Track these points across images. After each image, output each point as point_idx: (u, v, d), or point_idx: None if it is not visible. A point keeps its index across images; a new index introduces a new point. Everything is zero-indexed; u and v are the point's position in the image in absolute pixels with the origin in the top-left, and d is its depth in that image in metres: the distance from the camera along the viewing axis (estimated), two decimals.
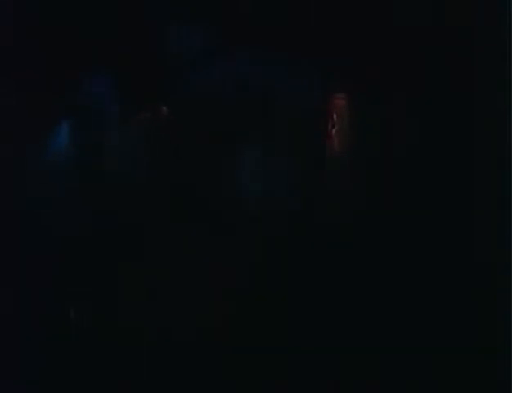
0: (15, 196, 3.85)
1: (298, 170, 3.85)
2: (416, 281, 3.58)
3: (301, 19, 3.89)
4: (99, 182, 3.92)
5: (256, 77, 3.94)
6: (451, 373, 3.42)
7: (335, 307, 3.61)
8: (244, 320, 3.65)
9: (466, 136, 3.62)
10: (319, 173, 3.86)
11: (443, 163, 3.68)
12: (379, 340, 3.55)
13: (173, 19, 3.98)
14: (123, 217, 3.86)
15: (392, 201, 3.69)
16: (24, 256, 3.74)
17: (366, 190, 3.77)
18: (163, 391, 3.61)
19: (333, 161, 3.86)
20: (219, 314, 3.65)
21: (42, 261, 3.75)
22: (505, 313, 3.32)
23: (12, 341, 3.64)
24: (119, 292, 3.74)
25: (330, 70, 3.85)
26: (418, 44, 3.72)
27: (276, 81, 3.92)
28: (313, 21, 3.87)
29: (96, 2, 3.95)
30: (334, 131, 3.90)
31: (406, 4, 3.72)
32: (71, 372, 3.66)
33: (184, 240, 3.79)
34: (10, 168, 3.86)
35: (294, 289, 3.68)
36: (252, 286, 3.71)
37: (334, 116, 3.92)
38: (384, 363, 3.52)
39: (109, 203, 3.90)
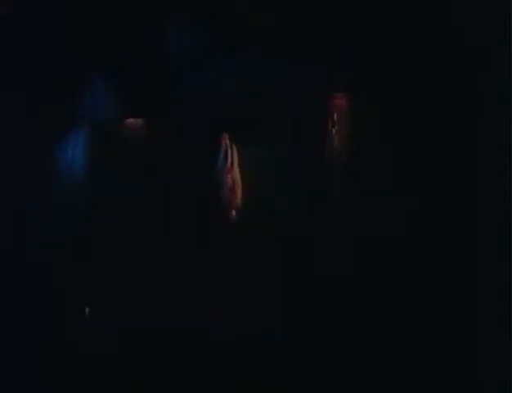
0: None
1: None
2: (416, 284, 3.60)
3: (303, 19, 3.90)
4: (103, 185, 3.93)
5: (256, 77, 3.94)
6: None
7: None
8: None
9: (468, 137, 3.62)
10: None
11: (444, 163, 3.68)
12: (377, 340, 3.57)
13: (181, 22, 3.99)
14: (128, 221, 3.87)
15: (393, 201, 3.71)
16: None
17: (367, 190, 3.78)
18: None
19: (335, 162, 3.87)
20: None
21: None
22: (505, 313, 3.33)
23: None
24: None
25: (331, 70, 3.85)
26: (418, 44, 3.72)
27: (276, 81, 3.92)
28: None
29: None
30: (334, 131, 3.91)
31: (407, 5, 3.73)
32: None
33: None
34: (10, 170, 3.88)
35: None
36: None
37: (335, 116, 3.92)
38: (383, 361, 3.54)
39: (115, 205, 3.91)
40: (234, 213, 3.96)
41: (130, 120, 4.04)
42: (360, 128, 3.86)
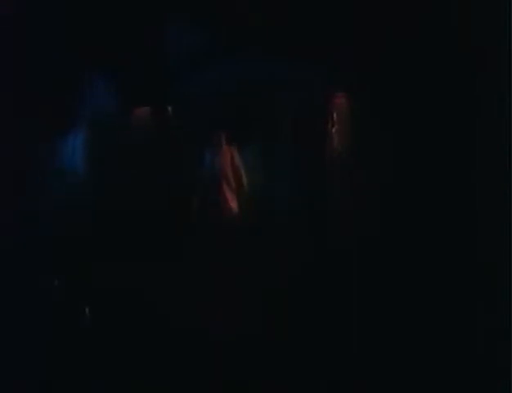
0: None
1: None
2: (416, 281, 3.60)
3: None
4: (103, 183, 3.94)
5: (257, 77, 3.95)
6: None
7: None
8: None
9: (468, 136, 3.62)
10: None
11: (444, 162, 3.69)
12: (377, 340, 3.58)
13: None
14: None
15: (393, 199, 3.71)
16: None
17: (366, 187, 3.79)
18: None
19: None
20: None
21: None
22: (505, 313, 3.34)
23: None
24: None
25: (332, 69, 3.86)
26: (418, 44, 3.73)
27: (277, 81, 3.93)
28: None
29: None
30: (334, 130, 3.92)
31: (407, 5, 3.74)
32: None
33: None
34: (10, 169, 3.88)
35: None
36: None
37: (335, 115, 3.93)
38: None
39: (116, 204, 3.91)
40: (234, 213, 3.96)
41: (130, 120, 4.05)
42: (360, 128, 3.86)
